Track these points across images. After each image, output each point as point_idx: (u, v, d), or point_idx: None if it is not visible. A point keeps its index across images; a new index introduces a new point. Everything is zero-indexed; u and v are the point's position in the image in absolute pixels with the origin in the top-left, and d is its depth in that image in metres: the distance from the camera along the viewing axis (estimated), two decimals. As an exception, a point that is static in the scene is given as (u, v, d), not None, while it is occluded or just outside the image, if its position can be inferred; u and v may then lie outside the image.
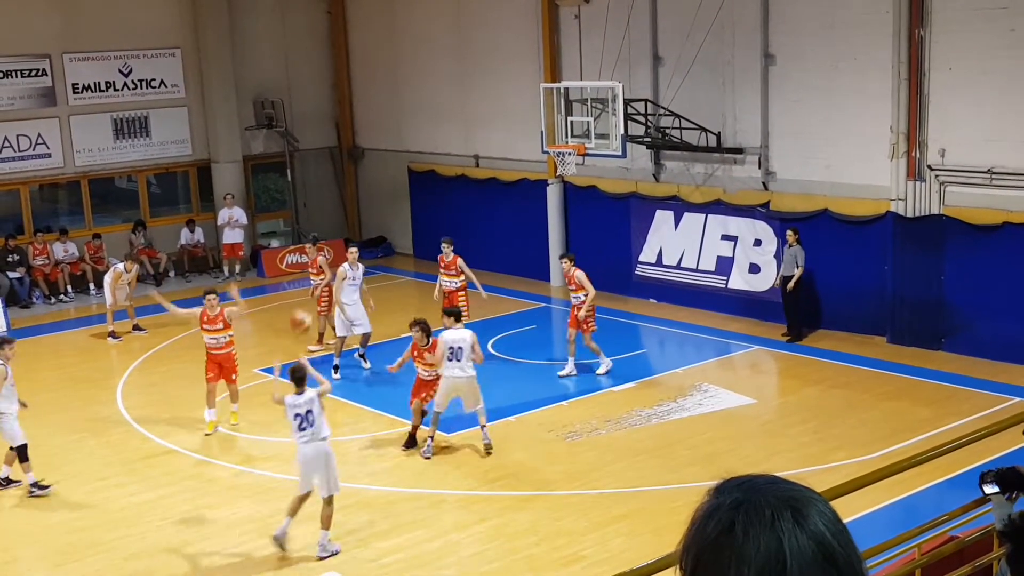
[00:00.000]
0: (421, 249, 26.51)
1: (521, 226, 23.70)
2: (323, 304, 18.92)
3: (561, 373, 16.99)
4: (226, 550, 11.64)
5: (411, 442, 14.11)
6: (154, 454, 14.56)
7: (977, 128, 16.50)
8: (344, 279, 17.24)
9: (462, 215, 24.86)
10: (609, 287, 19.20)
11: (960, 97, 16.61)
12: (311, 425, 11.31)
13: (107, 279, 20.42)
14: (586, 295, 16.46)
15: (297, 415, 11.31)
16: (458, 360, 13.65)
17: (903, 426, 13.78)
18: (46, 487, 13.27)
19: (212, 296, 15.14)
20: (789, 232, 18.22)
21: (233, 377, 15.13)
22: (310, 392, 11.46)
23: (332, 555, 11.28)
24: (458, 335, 13.82)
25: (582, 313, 16.51)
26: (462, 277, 18.21)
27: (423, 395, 14.13)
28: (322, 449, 11.35)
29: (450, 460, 13.92)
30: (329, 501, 11.34)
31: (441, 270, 18.38)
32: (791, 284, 18.11)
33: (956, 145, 16.80)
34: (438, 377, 13.88)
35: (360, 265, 17.66)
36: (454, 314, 14.38)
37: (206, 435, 14.97)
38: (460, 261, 18.17)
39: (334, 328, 18.16)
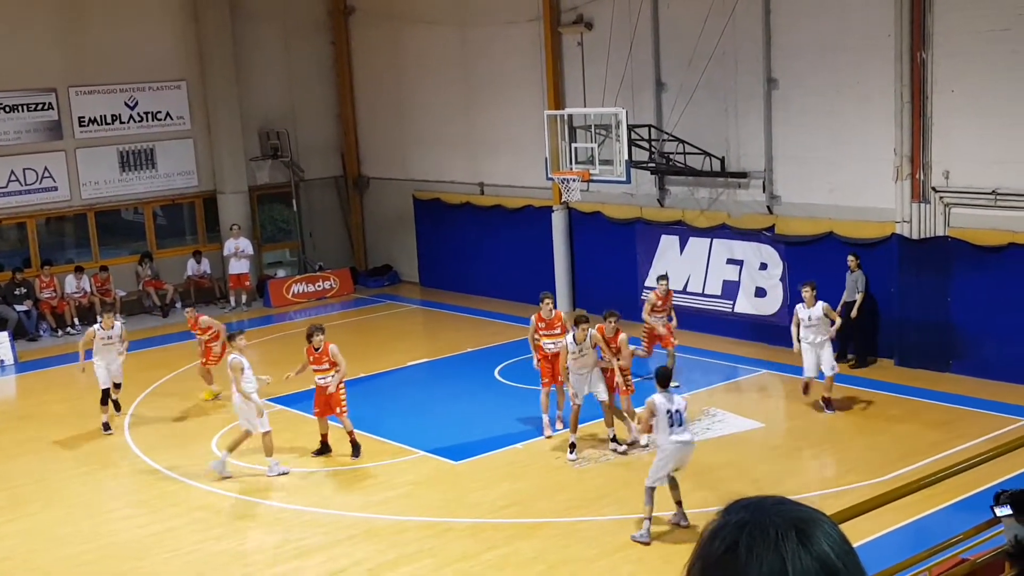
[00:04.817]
0: (427, 277, 26.56)
1: (526, 253, 23.72)
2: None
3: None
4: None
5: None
6: (162, 486, 14.54)
7: (981, 149, 16.53)
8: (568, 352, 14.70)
9: (467, 242, 24.93)
10: (615, 313, 19.18)
11: (963, 119, 16.64)
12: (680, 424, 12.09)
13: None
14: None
15: (668, 412, 11.97)
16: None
17: (912, 449, 13.73)
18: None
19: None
20: (850, 257, 17.79)
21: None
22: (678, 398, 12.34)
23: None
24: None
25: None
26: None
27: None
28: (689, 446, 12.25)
29: (457, 488, 13.89)
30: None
31: (541, 329, 15.64)
32: (854, 311, 17.67)
33: (960, 166, 16.83)
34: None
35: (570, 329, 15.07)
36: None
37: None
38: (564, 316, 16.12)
39: None
